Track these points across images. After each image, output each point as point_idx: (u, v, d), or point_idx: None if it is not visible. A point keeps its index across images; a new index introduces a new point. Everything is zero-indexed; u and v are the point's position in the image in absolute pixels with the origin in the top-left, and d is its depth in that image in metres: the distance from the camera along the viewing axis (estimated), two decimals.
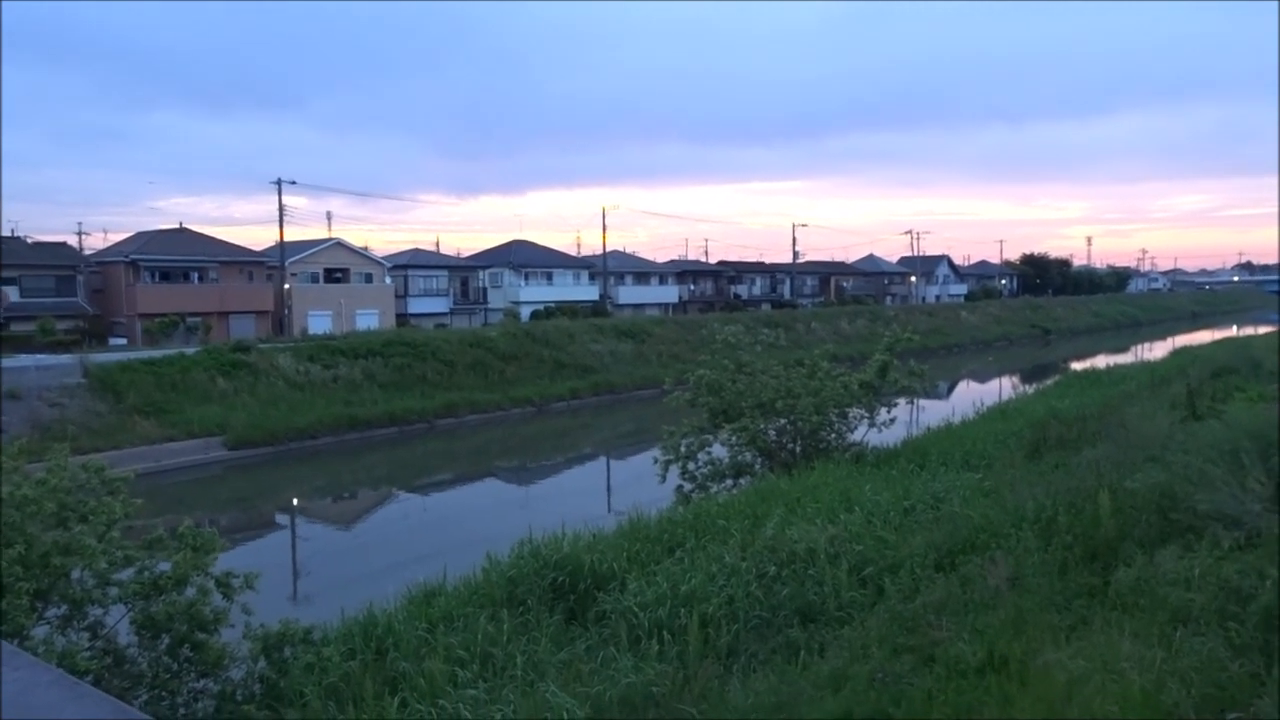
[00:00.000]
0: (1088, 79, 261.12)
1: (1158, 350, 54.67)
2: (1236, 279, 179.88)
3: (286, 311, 53.46)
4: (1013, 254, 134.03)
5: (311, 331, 50.08)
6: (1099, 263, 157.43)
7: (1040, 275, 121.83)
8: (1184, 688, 4.84)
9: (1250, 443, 7.54)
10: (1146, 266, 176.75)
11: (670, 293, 79.33)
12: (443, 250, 79.88)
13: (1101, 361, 43.54)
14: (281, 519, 24.48)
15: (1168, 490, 7.71)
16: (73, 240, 66.20)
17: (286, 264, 53.82)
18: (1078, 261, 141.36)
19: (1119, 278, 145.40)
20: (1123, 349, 66.04)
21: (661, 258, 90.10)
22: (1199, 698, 4.75)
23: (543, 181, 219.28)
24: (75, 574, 7.54)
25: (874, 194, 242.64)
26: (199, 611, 7.69)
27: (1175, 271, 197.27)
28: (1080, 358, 58.96)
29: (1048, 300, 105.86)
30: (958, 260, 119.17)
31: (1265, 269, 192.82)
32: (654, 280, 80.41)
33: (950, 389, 47.29)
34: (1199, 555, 6.43)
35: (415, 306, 61.43)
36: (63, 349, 38.09)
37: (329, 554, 20.02)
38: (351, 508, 25.90)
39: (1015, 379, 48.91)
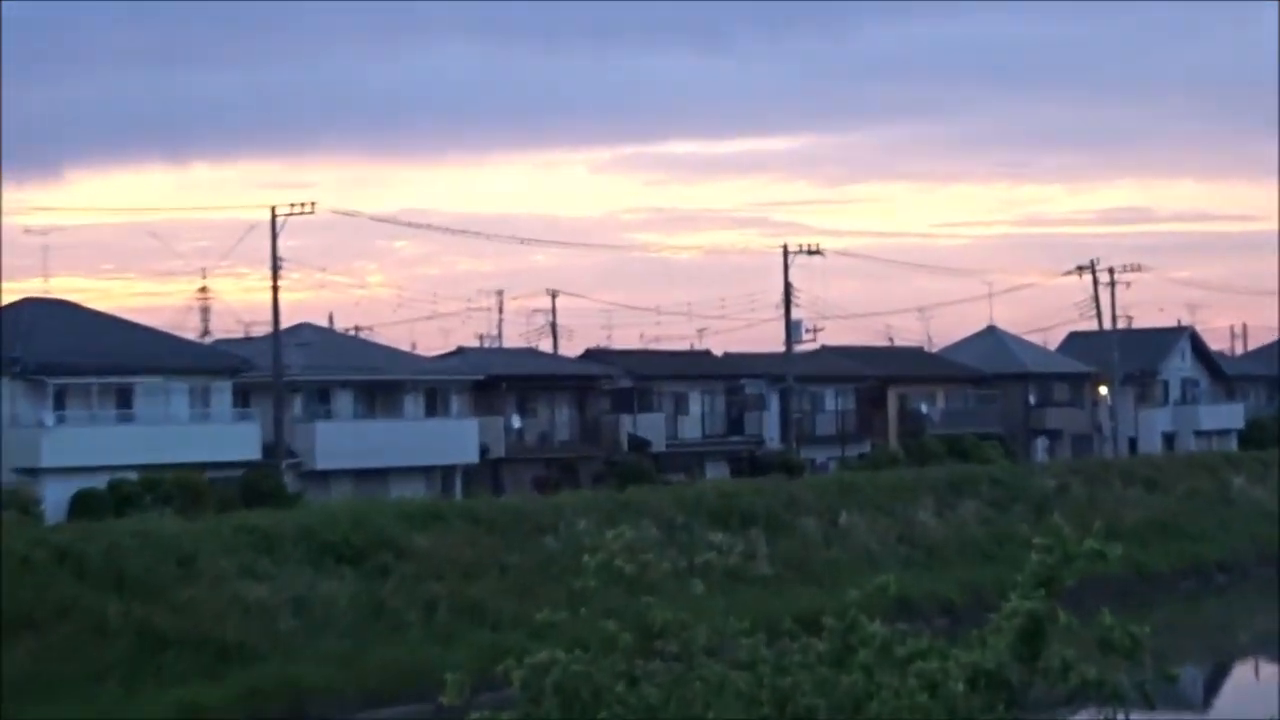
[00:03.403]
0: None
1: None
2: None
3: None
4: None
5: None
6: None
7: None
8: None
9: None
10: None
11: (462, 433, 61.61)
12: None
13: None
14: None
15: None
16: None
17: None
18: None
19: None
20: None
21: (434, 340, 66.67)
22: None
23: (102, 148, 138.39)
24: None
25: (981, 166, 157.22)
26: None
27: None
28: None
29: None
30: (1215, 342, 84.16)
31: None
32: (410, 401, 61.61)
33: (1211, 683, 39.03)
34: None
35: None
36: None
37: None
38: None
39: None
